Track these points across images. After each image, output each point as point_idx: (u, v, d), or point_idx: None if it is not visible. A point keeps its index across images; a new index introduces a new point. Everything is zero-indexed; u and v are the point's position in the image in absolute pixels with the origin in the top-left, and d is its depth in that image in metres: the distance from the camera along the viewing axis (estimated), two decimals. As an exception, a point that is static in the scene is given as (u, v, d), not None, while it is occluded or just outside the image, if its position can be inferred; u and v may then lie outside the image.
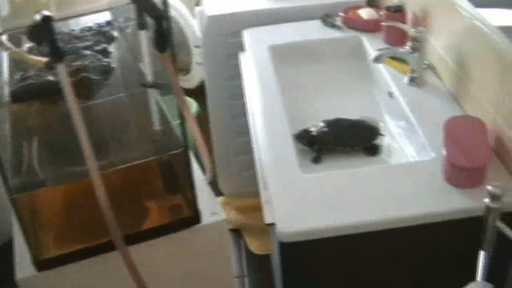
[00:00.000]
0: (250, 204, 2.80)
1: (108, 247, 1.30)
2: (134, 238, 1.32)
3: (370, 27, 2.22)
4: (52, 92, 1.38)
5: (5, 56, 1.67)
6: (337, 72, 2.15)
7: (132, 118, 1.47)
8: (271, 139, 1.66)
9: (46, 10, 1.14)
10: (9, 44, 1.44)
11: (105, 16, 1.73)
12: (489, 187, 1.17)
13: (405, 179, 1.46)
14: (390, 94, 1.88)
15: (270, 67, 2.04)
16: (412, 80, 1.85)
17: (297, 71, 2.15)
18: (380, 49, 1.81)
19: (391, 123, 1.85)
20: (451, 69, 1.76)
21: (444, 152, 1.43)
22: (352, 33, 2.24)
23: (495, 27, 1.42)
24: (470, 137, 1.47)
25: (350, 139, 1.74)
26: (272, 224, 1.40)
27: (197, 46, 3.36)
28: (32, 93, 1.52)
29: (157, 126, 1.38)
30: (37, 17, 1.12)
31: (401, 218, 1.36)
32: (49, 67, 1.10)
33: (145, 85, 1.29)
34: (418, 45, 1.80)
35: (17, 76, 1.61)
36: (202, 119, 3.02)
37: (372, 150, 1.74)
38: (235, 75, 2.42)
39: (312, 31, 2.28)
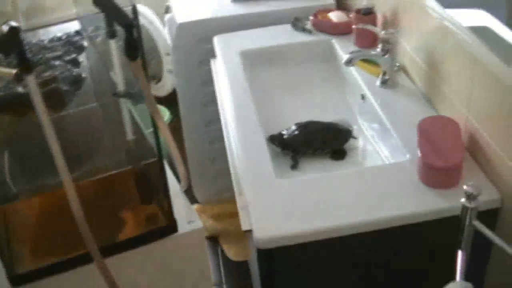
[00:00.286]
0: (226, 211, 2.79)
1: (85, 259, 1.28)
2: (111, 249, 1.30)
3: (340, 30, 2.22)
4: (22, 104, 1.36)
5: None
6: (309, 76, 2.16)
7: (105, 128, 1.45)
8: (245, 145, 1.65)
9: (14, 20, 1.12)
10: (-24, 57, 1.42)
11: (74, 26, 1.71)
12: (465, 187, 1.18)
13: (381, 181, 1.46)
14: (363, 97, 1.88)
15: (242, 73, 2.03)
16: (384, 82, 1.85)
17: (269, 76, 2.15)
18: (351, 52, 1.81)
19: (365, 126, 1.85)
20: (422, 70, 1.77)
21: (419, 153, 1.44)
22: (322, 37, 2.24)
23: (465, 27, 1.43)
24: (444, 138, 1.48)
25: (321, 142, 1.74)
26: (249, 231, 1.40)
27: (167, 54, 3.34)
28: (2, 105, 1.50)
29: (130, 135, 1.36)
30: (4, 28, 1.10)
31: (379, 221, 1.36)
32: (18, 78, 1.08)
33: (117, 95, 1.27)
34: (389, 47, 1.81)
35: (-15, 88, 1.59)
36: (175, 127, 3.01)
37: (338, 154, 1.74)
38: (207, 82, 2.41)
39: (282, 35, 2.28)
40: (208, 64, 2.30)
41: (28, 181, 1.37)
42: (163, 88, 3.65)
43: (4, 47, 1.11)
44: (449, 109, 1.61)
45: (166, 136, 1.26)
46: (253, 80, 2.03)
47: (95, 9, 1.45)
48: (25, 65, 1.03)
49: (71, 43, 1.62)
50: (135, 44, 1.10)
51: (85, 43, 1.61)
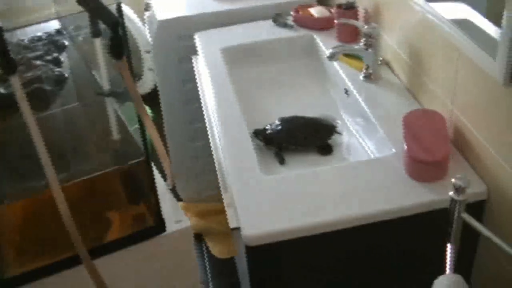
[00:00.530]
0: (210, 208, 2.78)
1: (73, 261, 1.26)
2: (99, 251, 1.29)
3: (322, 25, 2.22)
4: (3, 105, 1.34)
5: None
6: (292, 72, 2.15)
7: (89, 128, 1.44)
8: (230, 142, 1.64)
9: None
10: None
11: (54, 25, 1.69)
12: (453, 180, 1.18)
13: (368, 176, 1.46)
14: (346, 91, 1.88)
15: (224, 69, 2.02)
16: (367, 77, 1.85)
17: (252, 72, 2.14)
18: (334, 47, 1.81)
19: (349, 120, 1.85)
20: (406, 63, 1.77)
21: (405, 147, 1.44)
22: (304, 32, 2.23)
23: (448, 20, 1.43)
24: (430, 131, 1.48)
25: (303, 138, 1.74)
26: (237, 229, 1.39)
27: (147, 52, 3.32)
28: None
29: (116, 135, 1.34)
30: (-14, 28, 1.08)
31: (367, 215, 1.36)
32: (1, 79, 1.06)
33: (102, 94, 1.25)
34: (372, 41, 1.81)
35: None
36: (156, 125, 2.99)
37: (324, 149, 1.74)
38: (189, 79, 2.40)
39: (264, 31, 2.27)
40: (189, 62, 2.28)
41: (13, 185, 1.35)
42: (144, 86, 3.63)
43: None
44: (434, 102, 1.61)
45: (152, 134, 1.25)
46: (235, 77, 2.02)
47: (76, 8, 1.43)
48: (9, 66, 1.01)
49: (52, 43, 1.60)
50: (121, 43, 1.08)
51: (66, 42, 1.59)
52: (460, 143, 1.50)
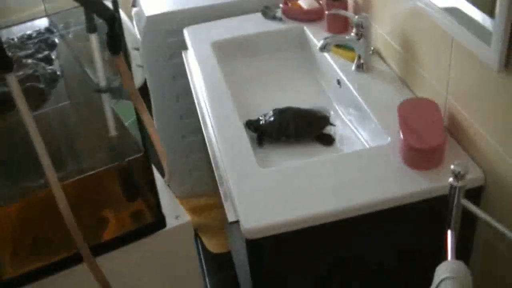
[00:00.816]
0: (203, 204, 2.78)
1: (72, 261, 1.25)
2: (98, 249, 1.28)
3: (311, 17, 2.22)
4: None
5: None
6: (283, 64, 2.15)
7: (85, 125, 1.43)
8: (225, 136, 1.64)
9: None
10: None
11: (44, 23, 1.67)
12: (452, 166, 1.18)
13: (365, 166, 1.46)
14: (338, 82, 1.88)
15: (215, 64, 2.02)
16: (359, 67, 1.85)
17: (243, 66, 2.14)
18: (325, 38, 1.81)
19: (343, 111, 1.85)
20: (397, 52, 1.77)
21: (400, 135, 1.44)
22: (293, 24, 2.23)
23: (440, 8, 1.43)
24: (425, 119, 1.48)
25: (297, 129, 1.74)
26: (235, 222, 1.38)
27: (136, 49, 3.30)
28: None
29: (113, 131, 1.33)
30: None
31: (367, 205, 1.36)
32: (-3, 78, 1.05)
33: (100, 90, 1.24)
34: (363, 31, 1.81)
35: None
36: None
37: (324, 139, 1.74)
38: (179, 75, 2.39)
39: (253, 24, 2.27)
40: (179, 57, 2.27)
41: (8, 186, 1.34)
42: (132, 83, 3.61)
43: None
44: (427, 90, 1.61)
45: (150, 129, 1.24)
46: (226, 71, 2.02)
47: (65, 5, 1.42)
48: (5, 64, 1.00)
49: (42, 41, 1.58)
50: (118, 38, 1.08)
51: (57, 40, 1.57)
52: (455, 130, 1.50)
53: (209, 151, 1.70)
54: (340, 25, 2.10)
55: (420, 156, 1.42)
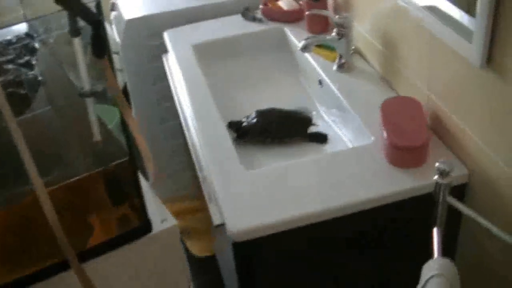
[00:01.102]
0: (186, 207, 2.76)
1: (58, 268, 1.24)
2: (85, 255, 1.26)
3: (291, 18, 2.22)
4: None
5: None
6: (264, 65, 2.15)
7: (70, 130, 1.41)
8: (208, 138, 1.63)
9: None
10: None
11: (23, 28, 1.66)
12: (437, 164, 1.19)
13: (350, 165, 1.47)
14: (320, 82, 1.88)
15: (196, 66, 2.01)
16: (341, 66, 1.86)
17: (224, 68, 2.13)
18: (306, 38, 1.81)
19: (325, 111, 1.85)
20: (379, 51, 1.78)
21: (384, 134, 1.44)
22: (274, 25, 2.23)
23: (420, 6, 1.44)
24: (408, 118, 1.49)
25: (278, 130, 1.74)
26: (221, 225, 1.38)
27: (115, 53, 3.29)
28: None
29: (97, 136, 1.32)
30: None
31: (353, 204, 1.36)
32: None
33: (83, 95, 1.23)
34: (344, 31, 1.81)
35: None
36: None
37: (317, 138, 1.74)
38: (159, 78, 2.38)
39: (233, 26, 2.26)
40: (160, 60, 2.27)
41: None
42: (111, 87, 3.59)
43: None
44: (410, 89, 1.62)
45: (135, 133, 1.23)
46: (208, 73, 2.01)
47: (45, 9, 1.41)
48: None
49: (22, 46, 1.57)
50: (103, 41, 1.07)
51: (37, 45, 1.56)
52: (439, 128, 1.51)
53: (192, 154, 1.69)
54: (320, 25, 2.10)
55: (404, 154, 1.42)
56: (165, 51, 2.23)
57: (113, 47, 3.30)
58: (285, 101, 1.90)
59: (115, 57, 3.33)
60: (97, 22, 1.05)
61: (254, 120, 1.75)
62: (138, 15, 2.38)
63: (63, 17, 1.21)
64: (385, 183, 1.40)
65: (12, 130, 1.03)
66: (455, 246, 1.52)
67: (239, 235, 1.33)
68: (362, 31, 1.87)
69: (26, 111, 1.34)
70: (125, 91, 2.63)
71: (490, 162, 1.30)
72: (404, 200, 1.39)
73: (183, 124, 1.83)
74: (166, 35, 2.26)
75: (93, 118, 1.30)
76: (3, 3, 1.74)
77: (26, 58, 1.50)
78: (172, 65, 2.10)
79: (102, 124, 1.33)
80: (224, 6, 2.39)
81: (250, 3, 2.34)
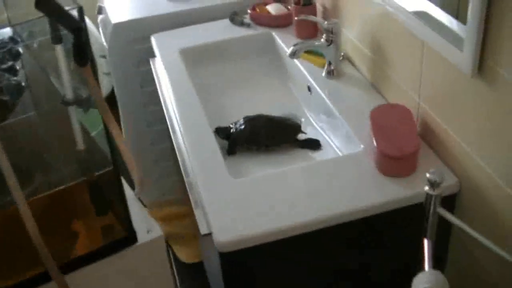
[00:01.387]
0: (174, 212, 2.74)
1: (40, 280, 1.21)
2: (69, 266, 1.24)
3: (280, 23, 2.20)
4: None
5: None
6: (252, 70, 2.12)
7: (52, 138, 1.38)
8: (195, 145, 1.60)
9: None
10: None
11: (7, 32, 1.62)
12: (428, 175, 1.16)
13: (338, 174, 1.44)
14: (309, 89, 1.86)
15: (183, 71, 1.98)
16: (330, 73, 1.84)
17: (212, 73, 2.11)
18: (295, 44, 1.79)
19: (314, 118, 1.83)
20: (368, 58, 1.76)
21: (374, 143, 1.42)
22: (262, 30, 2.21)
23: (409, 12, 1.42)
24: (397, 125, 1.47)
25: (267, 137, 1.71)
26: (208, 235, 1.35)
27: (103, 56, 3.25)
28: None
29: (81, 145, 1.29)
30: None
31: (342, 214, 1.34)
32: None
33: (66, 102, 1.20)
34: (333, 37, 1.79)
35: None
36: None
37: (310, 145, 1.72)
38: (146, 82, 2.36)
39: (221, 31, 2.24)
40: (147, 65, 2.24)
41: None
42: (99, 91, 3.56)
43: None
44: (399, 96, 1.60)
45: (118, 142, 1.20)
46: (195, 78, 1.99)
47: (29, 13, 1.38)
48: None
49: (6, 51, 1.53)
50: (85, 49, 1.04)
51: (21, 50, 1.52)
52: (429, 136, 1.49)
53: (179, 160, 1.67)
54: (309, 30, 2.08)
55: (394, 163, 1.40)
56: (152, 55, 2.21)
57: (100, 51, 3.27)
58: (273, 107, 1.88)
59: (102, 61, 3.31)
60: (78, 29, 1.02)
61: (242, 127, 1.72)
62: (125, 18, 2.36)
63: (47, 22, 1.18)
64: (375, 193, 1.37)
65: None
66: (446, 256, 1.50)
67: (226, 245, 1.30)
68: (351, 36, 1.85)
69: (8, 117, 1.31)
70: (112, 95, 2.61)
71: (481, 171, 1.29)
72: (393, 210, 1.37)
73: (170, 129, 1.80)
74: (153, 39, 2.23)
75: (76, 126, 1.27)
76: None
77: (10, 63, 1.47)
78: (159, 69, 2.08)
79: (86, 133, 1.30)
80: (212, 11, 2.37)
81: (238, 8, 2.32)
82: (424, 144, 1.50)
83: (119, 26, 2.34)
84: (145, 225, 1.30)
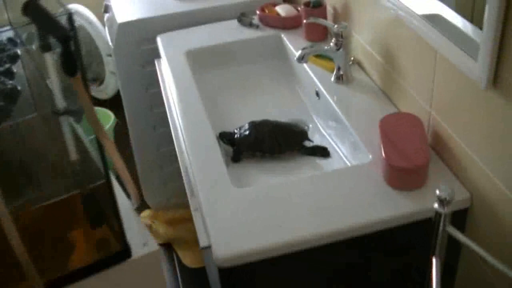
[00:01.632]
0: (179, 216, 2.69)
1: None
2: (62, 280, 1.18)
3: (289, 25, 2.14)
4: None
5: None
6: (260, 73, 2.07)
7: (45, 148, 1.33)
8: (198, 152, 1.55)
9: None
10: None
11: (6, 33, 1.57)
12: (438, 192, 1.10)
13: (345, 187, 1.38)
14: (317, 94, 1.80)
15: (189, 73, 1.93)
16: (339, 78, 1.78)
17: (218, 75, 2.06)
18: (303, 48, 1.73)
19: (322, 124, 1.77)
20: (379, 63, 1.70)
21: (383, 154, 1.36)
22: (270, 32, 2.15)
23: (421, 16, 1.35)
24: (408, 136, 1.41)
25: (273, 145, 1.65)
26: (208, 247, 1.30)
27: (109, 55, 3.21)
28: None
29: (73, 156, 1.24)
30: None
31: (348, 230, 1.28)
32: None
33: (57, 113, 1.15)
34: (342, 41, 1.73)
35: None
36: (121, 131, 2.89)
37: (319, 152, 1.66)
38: (153, 83, 2.31)
39: (229, 32, 2.19)
40: (153, 66, 2.19)
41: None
42: (107, 90, 3.52)
43: None
44: (410, 104, 1.54)
45: (112, 154, 1.15)
46: (201, 80, 1.94)
47: (20, 19, 1.33)
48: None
49: (3, 52, 1.48)
50: (73, 58, 0.98)
51: (19, 52, 1.47)
52: (440, 148, 1.43)
53: (181, 167, 1.61)
54: (318, 32, 2.02)
55: (403, 176, 1.34)
56: (158, 56, 2.16)
57: (107, 50, 3.23)
58: (280, 112, 1.83)
59: (109, 60, 3.26)
60: (66, 38, 0.97)
61: (247, 132, 1.67)
62: (131, 18, 2.30)
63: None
64: (383, 207, 1.31)
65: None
66: (455, 273, 1.44)
67: (225, 260, 1.25)
68: (362, 41, 1.79)
69: (2, 123, 1.25)
70: (119, 95, 2.56)
71: (493, 187, 1.22)
72: (403, 225, 1.31)
73: (173, 134, 1.75)
74: (159, 40, 2.18)
75: (68, 136, 1.21)
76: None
77: (7, 65, 1.42)
78: (165, 71, 2.03)
79: (80, 143, 1.25)
80: (220, 11, 2.32)
81: (246, 8, 2.27)
82: (435, 155, 1.44)
83: (125, 25, 2.29)
84: (142, 238, 1.25)
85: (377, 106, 1.64)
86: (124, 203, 1.30)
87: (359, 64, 1.84)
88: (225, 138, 1.69)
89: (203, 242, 1.31)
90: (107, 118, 3.09)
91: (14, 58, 1.49)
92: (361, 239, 1.30)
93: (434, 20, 1.31)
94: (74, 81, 1.01)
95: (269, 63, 2.11)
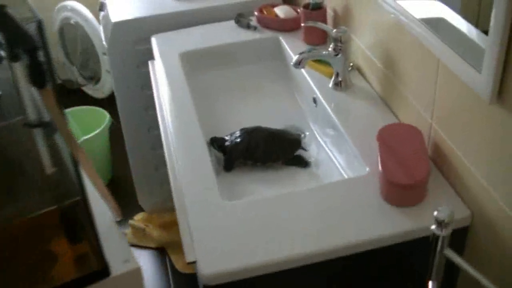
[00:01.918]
0: (173, 219, 2.62)
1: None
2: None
3: (287, 27, 2.07)
4: None
5: None
6: (256, 77, 2.00)
7: (20, 160, 1.26)
8: (186, 159, 1.49)
9: None
10: None
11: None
12: (436, 213, 1.04)
13: (340, 201, 1.31)
14: (315, 100, 1.73)
15: (183, 75, 1.86)
16: (337, 84, 1.71)
17: (213, 78, 1.99)
18: (300, 53, 1.66)
19: (319, 132, 1.70)
20: (379, 70, 1.63)
21: (380, 168, 1.29)
22: (268, 33, 2.09)
23: (423, 21, 1.28)
24: (407, 149, 1.34)
25: (264, 153, 1.58)
26: (194, 263, 1.24)
27: (105, 54, 3.15)
28: None
29: (49, 169, 1.17)
30: None
31: (339, 248, 1.21)
32: None
33: (29, 125, 1.08)
34: (341, 46, 1.66)
35: None
36: (116, 131, 2.82)
37: (297, 162, 1.59)
38: (147, 84, 2.24)
39: (225, 33, 2.12)
40: (148, 66, 2.12)
41: None
42: (103, 89, 3.46)
43: None
44: (411, 114, 1.47)
45: (86, 170, 1.08)
46: (195, 83, 1.87)
47: (19, 15, 1.26)
48: None
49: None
50: (42, 70, 0.91)
51: (3, 54, 1.40)
52: (440, 162, 1.36)
53: (169, 175, 1.55)
54: (317, 35, 1.96)
55: (402, 192, 1.27)
56: (153, 56, 2.09)
57: (103, 48, 3.16)
58: (276, 118, 1.76)
59: (105, 58, 3.20)
60: (33, 49, 0.90)
61: (239, 140, 1.60)
62: (126, 17, 2.24)
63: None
64: (379, 225, 1.24)
65: None
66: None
67: (211, 278, 1.18)
68: (362, 45, 1.72)
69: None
70: (112, 96, 2.50)
71: (495, 205, 1.16)
72: (400, 243, 1.24)
73: (163, 137, 1.68)
74: (153, 40, 2.12)
75: (43, 149, 1.14)
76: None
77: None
78: (158, 72, 1.96)
79: (57, 155, 1.17)
80: (217, 11, 2.25)
81: (244, 9, 2.20)
82: (435, 168, 1.37)
83: (120, 25, 2.22)
84: (123, 254, 1.18)
85: (376, 115, 1.57)
86: (104, 218, 1.23)
87: (358, 69, 1.77)
88: (216, 143, 1.62)
89: (189, 257, 1.25)
90: (102, 117, 3.03)
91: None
92: (354, 258, 1.23)
93: (438, 24, 1.24)
94: (43, 93, 0.94)
95: (266, 66, 2.04)
